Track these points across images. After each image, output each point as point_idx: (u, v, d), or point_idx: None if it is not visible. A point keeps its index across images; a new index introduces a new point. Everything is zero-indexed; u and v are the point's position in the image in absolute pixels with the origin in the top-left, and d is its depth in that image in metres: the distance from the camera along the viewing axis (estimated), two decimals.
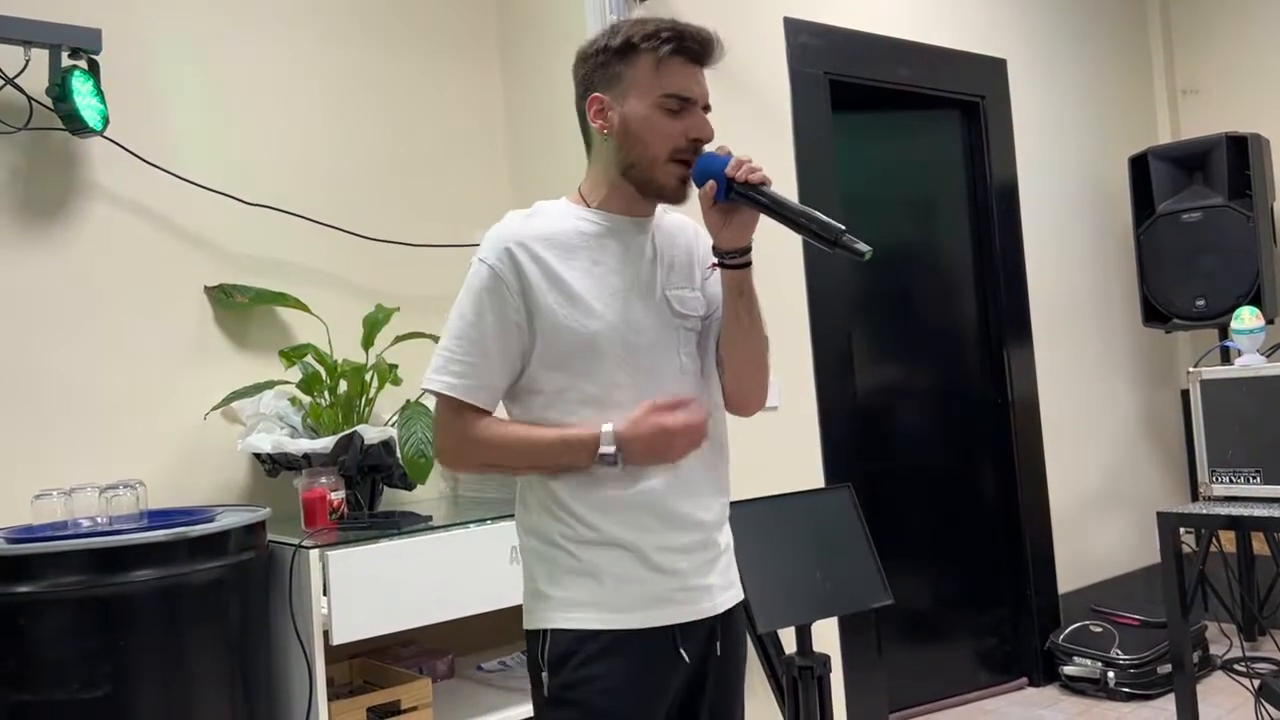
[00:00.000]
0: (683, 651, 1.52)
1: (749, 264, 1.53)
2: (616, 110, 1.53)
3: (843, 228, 1.41)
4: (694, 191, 1.54)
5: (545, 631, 1.52)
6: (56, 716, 1.93)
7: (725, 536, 1.63)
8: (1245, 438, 2.78)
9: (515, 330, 1.51)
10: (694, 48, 1.51)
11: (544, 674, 1.51)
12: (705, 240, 1.60)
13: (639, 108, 1.51)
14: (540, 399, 1.53)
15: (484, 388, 1.52)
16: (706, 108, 1.55)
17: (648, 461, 1.49)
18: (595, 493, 1.51)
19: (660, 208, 1.61)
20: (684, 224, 1.66)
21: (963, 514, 3.89)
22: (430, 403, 2.54)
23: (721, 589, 1.58)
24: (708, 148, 1.54)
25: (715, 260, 1.54)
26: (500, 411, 1.58)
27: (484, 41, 3.24)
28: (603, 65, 1.54)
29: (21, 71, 2.36)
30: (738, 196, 1.48)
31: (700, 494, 1.56)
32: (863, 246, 1.40)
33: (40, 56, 2.37)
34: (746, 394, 1.63)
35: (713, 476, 1.59)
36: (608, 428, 1.46)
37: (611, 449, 1.46)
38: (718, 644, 1.57)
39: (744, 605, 1.67)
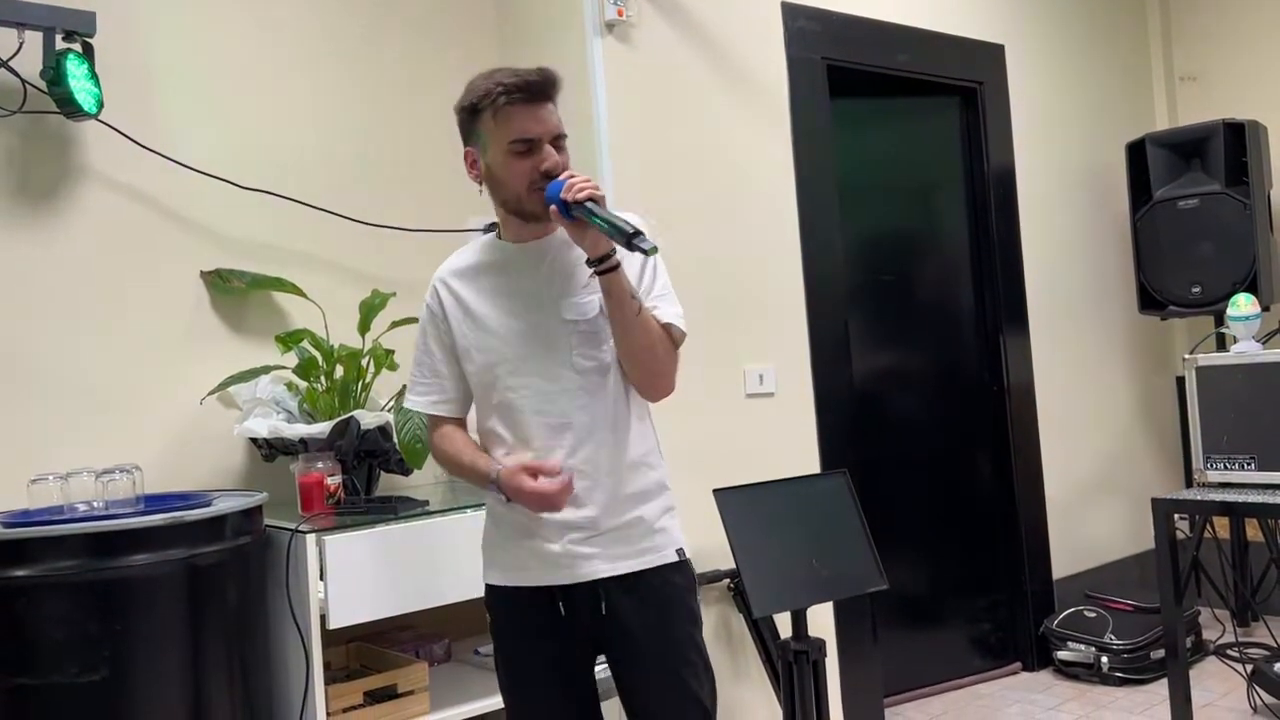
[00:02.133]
0: (560, 607, 1.81)
1: (613, 269, 1.73)
2: (483, 160, 1.81)
3: (635, 230, 1.65)
4: None
5: (486, 585, 1.93)
6: (55, 700, 1.93)
7: (643, 510, 1.83)
8: (1240, 424, 2.79)
9: (450, 351, 1.89)
10: (523, 95, 1.74)
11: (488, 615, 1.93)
12: None
13: (495, 156, 1.78)
14: (479, 405, 1.89)
15: (445, 401, 1.91)
16: (559, 137, 1.78)
17: (518, 503, 1.78)
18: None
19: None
20: None
21: (958, 500, 3.90)
22: None
23: (612, 558, 1.80)
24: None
25: (590, 269, 1.75)
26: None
27: (482, 25, 3.22)
28: (463, 124, 1.82)
29: (15, 54, 2.35)
30: (577, 212, 1.69)
31: (598, 479, 1.80)
32: (648, 246, 1.65)
33: (34, 39, 2.36)
34: (639, 382, 1.84)
35: (613, 464, 1.81)
36: (496, 468, 1.79)
37: (497, 487, 1.79)
38: (603, 605, 1.80)
39: (670, 570, 1.85)
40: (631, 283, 1.77)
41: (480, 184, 1.84)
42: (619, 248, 1.69)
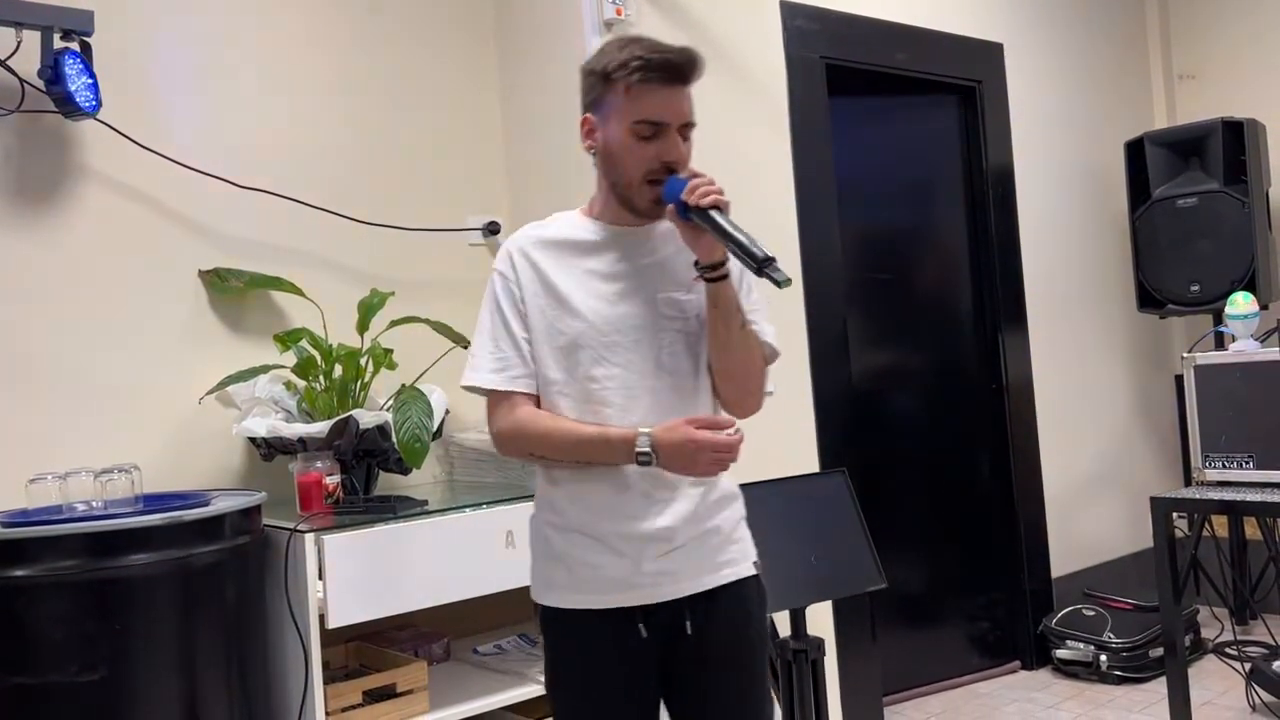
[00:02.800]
0: (642, 628, 1.65)
1: (722, 278, 1.61)
2: (601, 132, 1.66)
3: (766, 256, 1.53)
4: None
5: (538, 606, 1.74)
6: (54, 699, 1.93)
7: (719, 518, 1.70)
8: (1238, 423, 2.79)
9: (524, 322, 1.68)
10: (662, 75, 1.59)
11: (544, 639, 1.75)
12: None
13: (616, 132, 1.63)
14: (542, 390, 1.68)
15: (521, 376, 1.67)
16: (687, 126, 1.64)
17: (674, 469, 1.59)
18: (572, 482, 1.68)
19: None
20: None
21: (957, 498, 3.90)
22: (425, 388, 2.57)
23: (694, 573, 1.67)
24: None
25: (697, 272, 1.63)
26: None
27: (481, 24, 3.22)
28: (590, 88, 1.67)
29: (13, 53, 2.35)
30: (694, 217, 1.58)
31: (678, 485, 1.65)
32: (782, 276, 1.51)
33: (32, 38, 2.36)
34: (730, 397, 1.72)
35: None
36: (645, 430, 1.58)
37: (647, 449, 1.57)
38: (687, 624, 1.66)
39: (748, 584, 1.73)
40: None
41: (593, 154, 1.69)
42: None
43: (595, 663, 1.68)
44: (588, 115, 1.68)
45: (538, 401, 1.68)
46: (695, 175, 1.60)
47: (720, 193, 1.58)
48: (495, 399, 1.69)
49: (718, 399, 1.73)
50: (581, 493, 1.67)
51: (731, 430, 1.57)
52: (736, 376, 1.69)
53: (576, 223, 1.73)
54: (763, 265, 1.52)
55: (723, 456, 1.56)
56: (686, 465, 1.57)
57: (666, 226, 1.67)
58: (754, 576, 1.74)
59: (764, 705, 1.73)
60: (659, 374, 1.66)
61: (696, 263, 1.62)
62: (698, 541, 1.67)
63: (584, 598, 1.67)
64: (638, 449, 1.57)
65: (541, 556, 1.73)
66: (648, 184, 1.63)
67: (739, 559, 1.72)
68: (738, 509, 1.76)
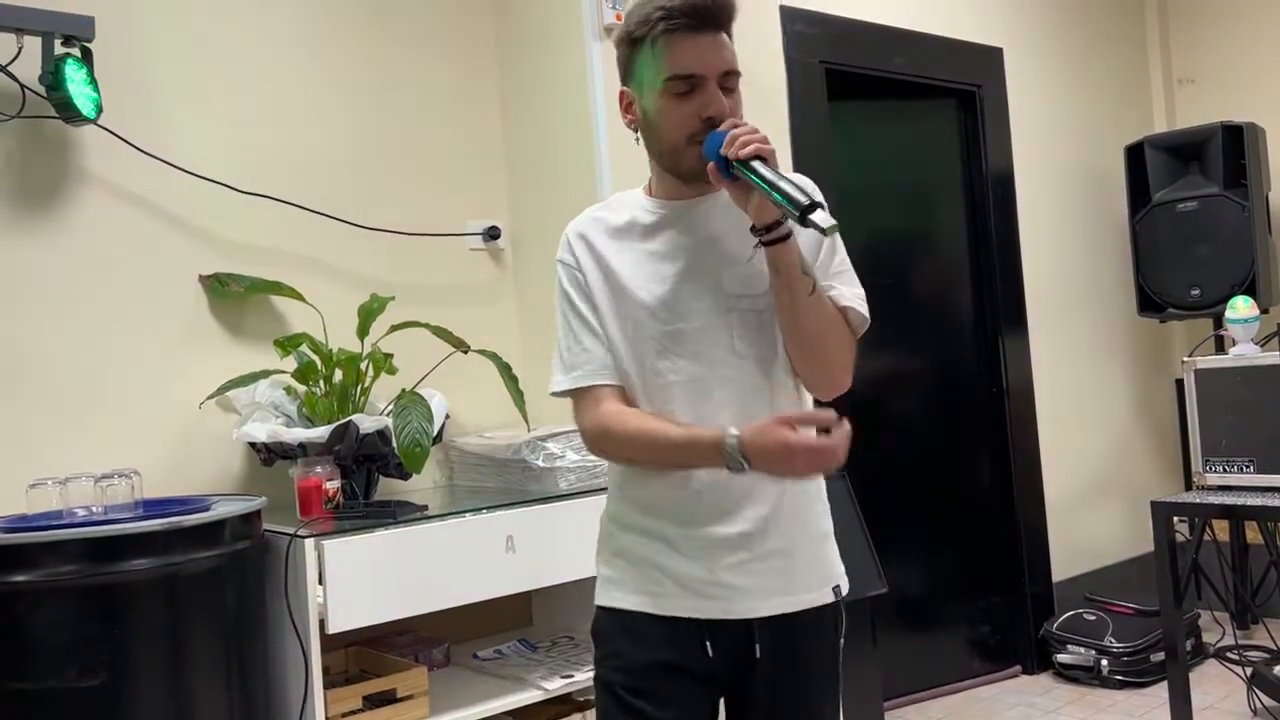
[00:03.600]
0: (708, 646, 1.51)
1: (783, 238, 1.43)
2: (638, 103, 1.52)
3: (811, 202, 1.36)
4: None
5: (597, 608, 1.60)
6: (53, 705, 1.93)
7: (798, 530, 1.54)
8: (1239, 427, 2.79)
9: (595, 309, 1.55)
10: (688, 22, 1.44)
11: (595, 647, 1.60)
12: None
13: (651, 96, 1.49)
14: (624, 384, 1.55)
15: (600, 369, 1.53)
16: (730, 74, 1.48)
17: (769, 472, 1.43)
18: (642, 479, 1.55)
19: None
20: None
21: (957, 503, 3.90)
22: (425, 393, 2.57)
23: (769, 592, 1.51)
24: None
25: (755, 239, 1.45)
26: None
27: (480, 29, 3.22)
28: (622, 59, 1.54)
29: (14, 59, 2.35)
30: (739, 171, 1.41)
31: (757, 483, 1.49)
32: (826, 224, 1.35)
33: (33, 44, 2.36)
34: (807, 374, 1.55)
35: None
36: (732, 433, 1.40)
37: (737, 455, 1.40)
38: (756, 648, 1.51)
39: (826, 612, 1.56)
40: (804, 257, 1.47)
41: (636, 131, 1.54)
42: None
43: (658, 672, 1.51)
44: (623, 89, 1.53)
45: (621, 390, 1.53)
46: (734, 125, 1.42)
47: (765, 140, 1.40)
48: (576, 398, 1.55)
49: (797, 380, 1.56)
50: (649, 493, 1.54)
51: (832, 425, 1.37)
52: (812, 352, 1.51)
53: (636, 202, 1.59)
54: (805, 214, 1.35)
55: (825, 459, 1.37)
56: (783, 469, 1.41)
57: (726, 197, 1.48)
58: (835, 603, 1.57)
59: None
60: (731, 362, 1.50)
61: (753, 228, 1.44)
62: (777, 555, 1.51)
63: (646, 600, 1.53)
64: (727, 454, 1.40)
65: (609, 554, 1.59)
66: (693, 145, 1.46)
67: (821, 582, 1.55)
68: (825, 523, 1.59)
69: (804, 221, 1.36)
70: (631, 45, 1.50)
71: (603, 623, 1.58)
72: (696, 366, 1.50)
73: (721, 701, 1.60)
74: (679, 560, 1.51)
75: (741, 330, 1.51)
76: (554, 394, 1.58)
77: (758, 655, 1.51)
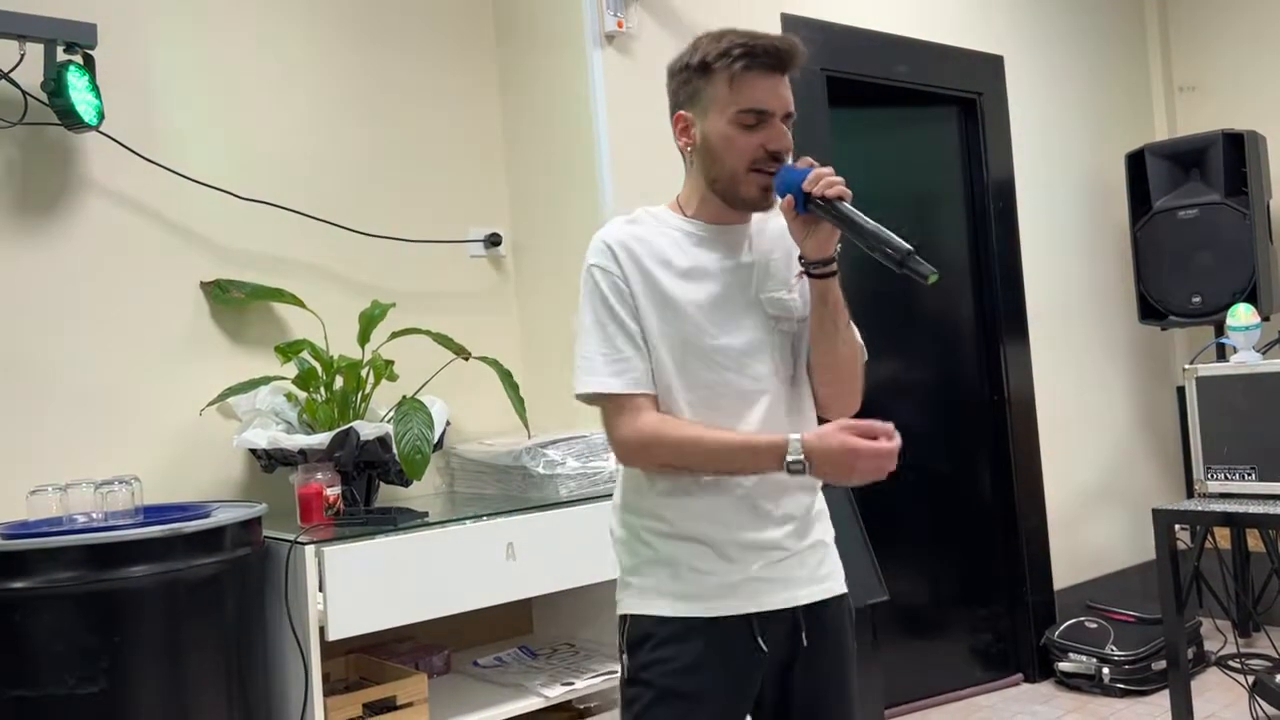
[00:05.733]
0: (760, 641, 1.58)
1: (833, 273, 1.56)
2: (698, 127, 1.60)
3: (909, 249, 1.44)
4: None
5: (626, 617, 1.63)
6: (53, 712, 1.93)
7: (817, 532, 1.67)
8: (1240, 435, 2.79)
9: (637, 318, 1.58)
10: (767, 61, 1.57)
11: (624, 656, 1.62)
12: None
13: (717, 124, 1.57)
14: (664, 395, 1.59)
15: (647, 378, 1.57)
16: (789, 115, 1.60)
17: (828, 477, 1.52)
18: (676, 489, 1.59)
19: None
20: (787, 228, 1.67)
21: (959, 510, 3.89)
22: (426, 400, 2.56)
23: (804, 582, 1.62)
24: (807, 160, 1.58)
25: (801, 269, 1.58)
26: None
27: (481, 36, 3.23)
28: (685, 83, 1.61)
29: (16, 66, 2.35)
30: (815, 209, 1.52)
31: (787, 491, 1.61)
32: (926, 269, 1.43)
33: (35, 51, 2.36)
34: (832, 397, 1.67)
35: (803, 481, 1.58)
36: (795, 437, 1.49)
37: (800, 457, 1.48)
38: (803, 635, 1.61)
39: (845, 601, 1.70)
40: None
41: (688, 153, 1.64)
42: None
43: (711, 672, 1.57)
44: (681, 113, 1.62)
45: (656, 403, 1.58)
46: (813, 165, 1.55)
47: (844, 184, 1.53)
48: (616, 404, 1.57)
49: (815, 400, 1.68)
50: (688, 501, 1.58)
51: (888, 435, 1.47)
52: (842, 376, 1.64)
53: (672, 220, 1.65)
54: (905, 260, 1.44)
55: (884, 464, 1.47)
56: (844, 473, 1.49)
57: (761, 223, 1.64)
58: (845, 594, 1.71)
59: None
60: (772, 379, 1.60)
61: (801, 258, 1.57)
62: (805, 554, 1.63)
63: (693, 605, 1.57)
64: (789, 457, 1.48)
65: (644, 564, 1.62)
66: (753, 173, 1.57)
67: (837, 574, 1.69)
68: (830, 524, 1.72)
69: (902, 266, 1.44)
70: (703, 73, 1.58)
71: (645, 629, 1.60)
72: (743, 381, 1.59)
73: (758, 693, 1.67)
74: (720, 564, 1.58)
75: (780, 350, 1.62)
76: (585, 395, 1.59)
77: (804, 642, 1.61)
